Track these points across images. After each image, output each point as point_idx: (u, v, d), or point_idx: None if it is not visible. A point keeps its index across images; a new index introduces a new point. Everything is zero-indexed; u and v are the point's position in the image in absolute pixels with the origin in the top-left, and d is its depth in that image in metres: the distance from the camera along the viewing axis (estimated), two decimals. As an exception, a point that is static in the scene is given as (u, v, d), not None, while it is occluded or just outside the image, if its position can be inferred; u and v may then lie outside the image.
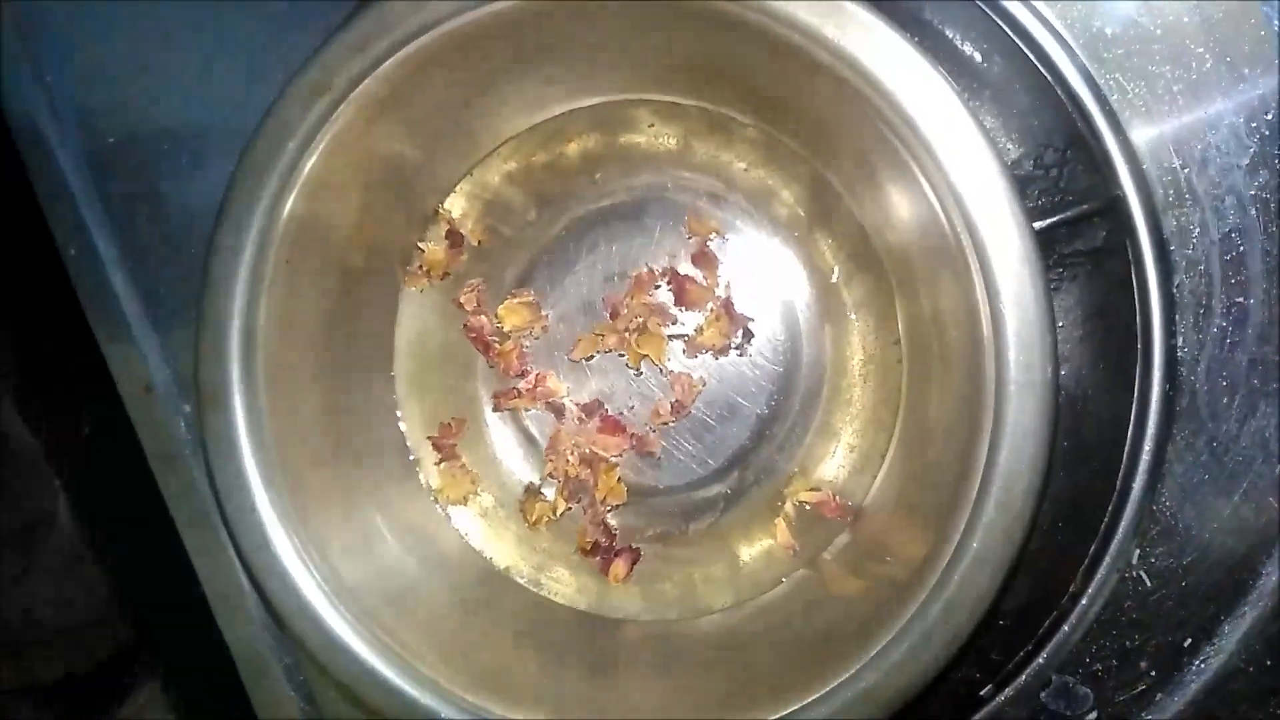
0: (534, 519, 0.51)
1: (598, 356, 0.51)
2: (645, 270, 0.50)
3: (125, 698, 1.04)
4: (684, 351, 0.50)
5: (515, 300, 0.51)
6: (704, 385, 0.50)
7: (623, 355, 0.51)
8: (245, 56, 0.53)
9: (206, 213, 0.53)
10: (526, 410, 0.52)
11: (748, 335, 0.50)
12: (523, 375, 0.51)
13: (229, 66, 0.53)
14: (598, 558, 0.51)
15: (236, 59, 0.53)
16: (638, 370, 0.51)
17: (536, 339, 0.52)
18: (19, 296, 0.64)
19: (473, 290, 0.51)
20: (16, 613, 1.05)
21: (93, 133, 0.55)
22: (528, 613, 0.49)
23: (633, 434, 0.51)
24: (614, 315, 0.50)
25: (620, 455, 0.51)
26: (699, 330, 0.50)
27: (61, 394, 0.67)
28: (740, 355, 0.50)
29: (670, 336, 0.50)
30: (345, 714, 0.53)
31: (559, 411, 0.51)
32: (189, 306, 0.54)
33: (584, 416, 0.51)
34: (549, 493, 0.52)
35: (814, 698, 0.38)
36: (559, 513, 0.51)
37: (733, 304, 0.50)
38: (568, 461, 0.51)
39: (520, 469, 0.53)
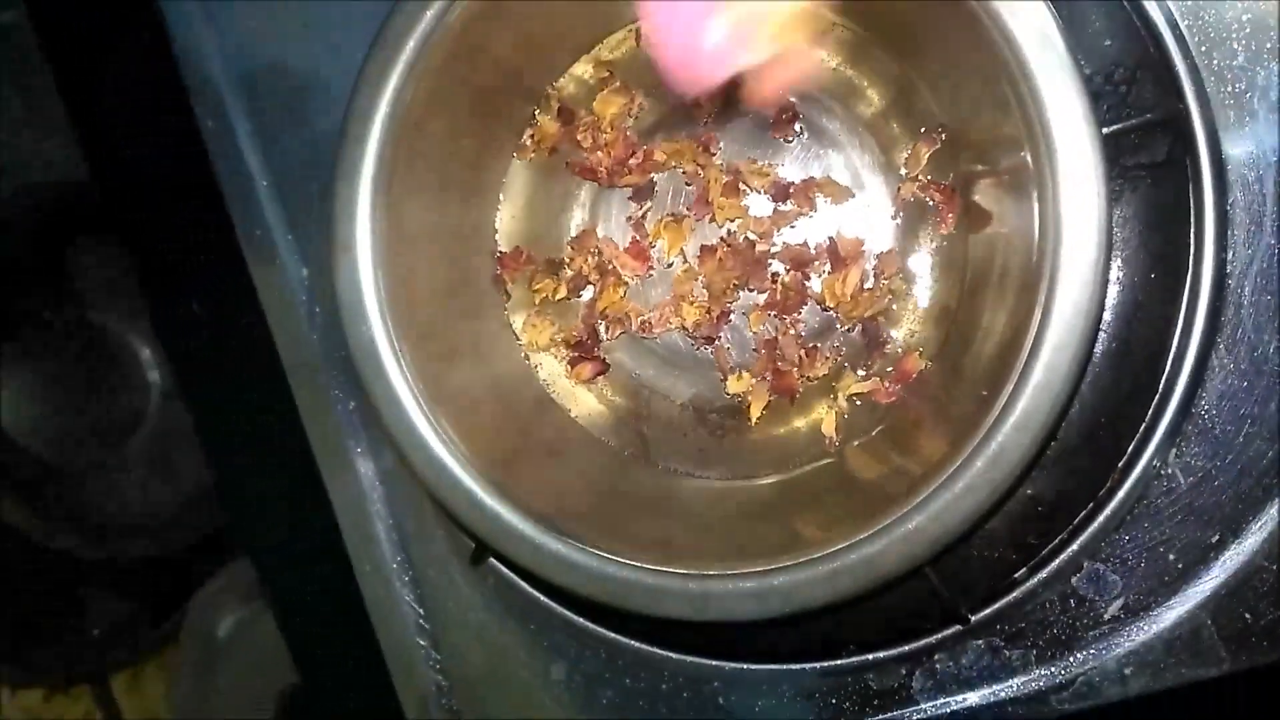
0: (537, 285, 0.54)
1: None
2: (724, 180, 0.53)
3: (205, 580, 1.11)
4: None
5: (605, 91, 0.53)
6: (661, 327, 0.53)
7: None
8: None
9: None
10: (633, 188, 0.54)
11: None
12: (633, 154, 0.53)
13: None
14: (573, 352, 0.54)
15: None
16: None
17: (635, 116, 0.54)
18: (148, 197, 0.69)
19: (588, 129, 0.53)
20: (106, 499, 1.12)
21: (246, 53, 0.60)
22: (596, 460, 0.53)
23: (650, 268, 0.54)
24: (699, 202, 0.53)
25: (633, 279, 0.53)
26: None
27: (173, 281, 0.72)
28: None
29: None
30: (436, 577, 0.58)
31: (647, 192, 0.54)
32: (311, 182, 0.60)
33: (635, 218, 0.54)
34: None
35: (863, 535, 0.42)
36: (556, 297, 0.54)
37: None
38: (585, 259, 0.54)
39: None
